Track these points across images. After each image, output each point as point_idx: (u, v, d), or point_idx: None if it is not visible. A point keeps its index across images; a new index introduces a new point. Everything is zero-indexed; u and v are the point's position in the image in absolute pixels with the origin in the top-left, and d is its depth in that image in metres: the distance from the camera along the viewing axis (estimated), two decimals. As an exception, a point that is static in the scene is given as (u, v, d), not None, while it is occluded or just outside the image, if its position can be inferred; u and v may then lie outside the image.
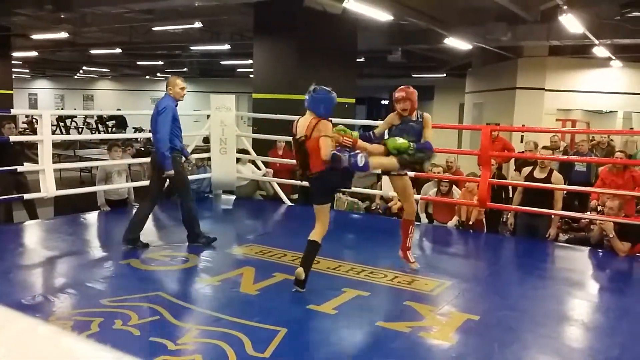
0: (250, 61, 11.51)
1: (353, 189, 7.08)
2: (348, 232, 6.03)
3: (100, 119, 24.80)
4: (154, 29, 13.17)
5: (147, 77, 29.02)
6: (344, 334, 3.48)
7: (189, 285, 4.39)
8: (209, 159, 7.86)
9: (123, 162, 7.07)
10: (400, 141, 4.39)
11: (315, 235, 4.23)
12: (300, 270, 4.09)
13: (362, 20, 10.07)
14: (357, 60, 12.96)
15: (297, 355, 3.15)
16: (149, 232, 6.29)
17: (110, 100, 30.93)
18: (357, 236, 5.83)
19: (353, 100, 11.14)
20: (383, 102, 29.02)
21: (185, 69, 23.94)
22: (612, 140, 11.61)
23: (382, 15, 8.98)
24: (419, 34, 12.59)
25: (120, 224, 6.42)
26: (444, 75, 20.45)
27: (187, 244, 5.41)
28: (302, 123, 4.17)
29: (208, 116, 7.97)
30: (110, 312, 3.58)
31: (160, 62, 21.87)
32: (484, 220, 6.74)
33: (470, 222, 6.57)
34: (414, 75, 21.59)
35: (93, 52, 18.07)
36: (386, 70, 20.65)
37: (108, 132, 23.01)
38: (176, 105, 5.34)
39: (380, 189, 7.16)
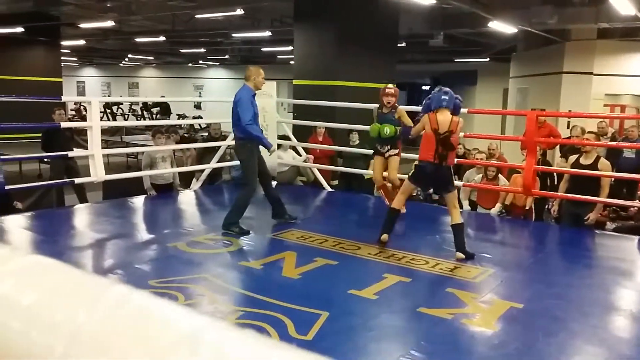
0: (290, 47, 11.54)
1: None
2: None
3: (145, 106, 25.36)
4: (196, 16, 13.35)
5: (190, 64, 29.46)
6: (385, 319, 3.49)
7: (233, 268, 4.49)
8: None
9: (168, 148, 7.23)
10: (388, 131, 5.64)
11: (457, 218, 4.77)
12: (459, 254, 4.64)
13: (404, 4, 9.94)
14: (398, 45, 12.81)
15: (339, 338, 3.19)
16: (193, 217, 6.45)
17: (154, 87, 31.56)
18: (398, 223, 5.81)
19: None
20: (424, 87, 28.67)
21: (226, 56, 24.19)
22: None
23: (424, -1, 8.85)
24: (462, 18, 12.34)
25: (166, 207, 6.62)
26: (488, 59, 19.99)
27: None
28: (443, 119, 4.70)
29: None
30: (158, 293, 3.65)
31: (202, 50, 22.15)
32: (532, 207, 6.61)
33: (527, 207, 6.46)
34: (456, 60, 21.21)
35: (138, 40, 18.44)
36: (428, 55, 20.34)
37: (152, 119, 23.54)
38: (254, 95, 5.42)
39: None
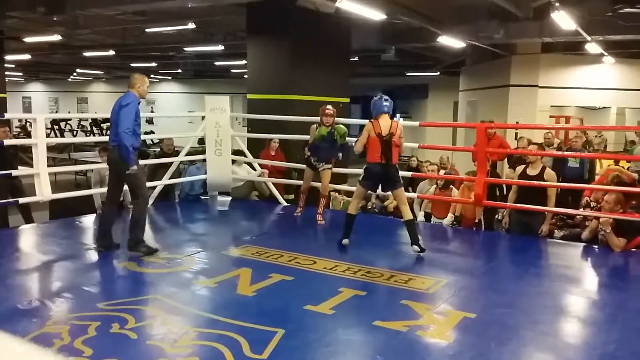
0: (244, 62, 11.51)
1: (348, 187, 7.12)
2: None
3: (95, 122, 24.74)
4: (147, 30, 13.13)
5: (141, 78, 28.93)
6: (342, 334, 3.48)
7: (186, 287, 4.38)
8: (204, 160, 7.85)
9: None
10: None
11: (408, 214, 5.31)
12: (415, 247, 5.17)
13: (355, 19, 10.07)
14: (351, 59, 12.97)
15: (295, 355, 3.15)
16: (145, 235, 6.28)
17: (104, 102, 30.83)
18: (354, 236, 5.85)
19: (347, 100, 11.15)
20: (377, 100, 28.98)
21: (179, 70, 23.90)
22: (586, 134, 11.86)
23: (375, 14, 8.99)
24: (412, 33, 12.60)
25: (116, 226, 6.40)
26: (438, 73, 20.48)
27: (184, 246, 5.40)
28: (385, 124, 5.27)
29: (203, 117, 7.96)
30: (107, 316, 3.58)
31: (154, 64, 21.80)
32: (482, 218, 6.77)
33: (476, 220, 6.61)
34: (407, 74, 21.62)
35: (86, 54, 18.00)
36: (380, 69, 20.68)
37: (103, 135, 22.98)
38: (139, 104, 5.08)
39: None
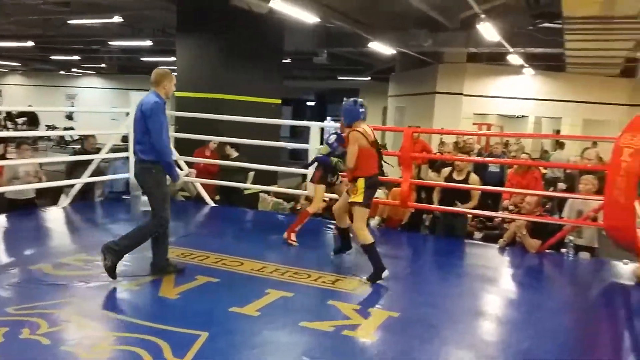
0: (173, 58, 11.22)
1: (278, 189, 7.07)
2: (272, 233, 5.99)
3: (9, 116, 23.36)
4: (70, 22, 12.54)
5: (62, 72, 27.69)
6: (267, 336, 3.44)
7: (105, 290, 4.18)
8: (127, 158, 7.56)
9: (31, 162, 6.63)
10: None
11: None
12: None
13: (289, 21, 10.07)
14: (284, 61, 12.95)
15: (218, 358, 3.08)
16: (61, 236, 5.97)
17: (20, 95, 29.18)
18: (282, 237, 5.81)
19: (279, 101, 11.12)
20: (308, 103, 29.27)
21: (103, 65, 23.04)
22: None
23: (308, 17, 9.03)
24: (345, 37, 12.78)
25: (29, 226, 6.08)
26: (369, 78, 20.87)
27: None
28: (369, 131, 4.74)
29: (127, 114, 7.66)
30: (17, 321, 3.36)
31: (76, 57, 20.90)
32: (405, 220, 6.93)
33: (403, 222, 6.74)
34: (339, 78, 21.89)
35: (2, 44, 16.97)
36: (312, 72, 20.83)
37: (17, 130, 21.76)
38: (164, 104, 4.46)
39: (305, 189, 7.18)
